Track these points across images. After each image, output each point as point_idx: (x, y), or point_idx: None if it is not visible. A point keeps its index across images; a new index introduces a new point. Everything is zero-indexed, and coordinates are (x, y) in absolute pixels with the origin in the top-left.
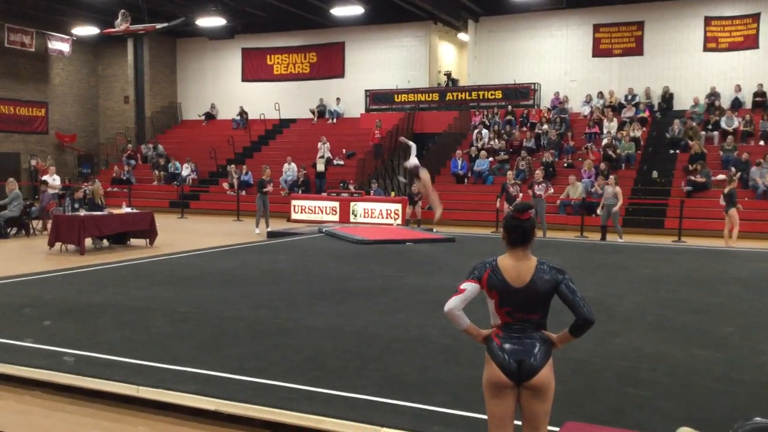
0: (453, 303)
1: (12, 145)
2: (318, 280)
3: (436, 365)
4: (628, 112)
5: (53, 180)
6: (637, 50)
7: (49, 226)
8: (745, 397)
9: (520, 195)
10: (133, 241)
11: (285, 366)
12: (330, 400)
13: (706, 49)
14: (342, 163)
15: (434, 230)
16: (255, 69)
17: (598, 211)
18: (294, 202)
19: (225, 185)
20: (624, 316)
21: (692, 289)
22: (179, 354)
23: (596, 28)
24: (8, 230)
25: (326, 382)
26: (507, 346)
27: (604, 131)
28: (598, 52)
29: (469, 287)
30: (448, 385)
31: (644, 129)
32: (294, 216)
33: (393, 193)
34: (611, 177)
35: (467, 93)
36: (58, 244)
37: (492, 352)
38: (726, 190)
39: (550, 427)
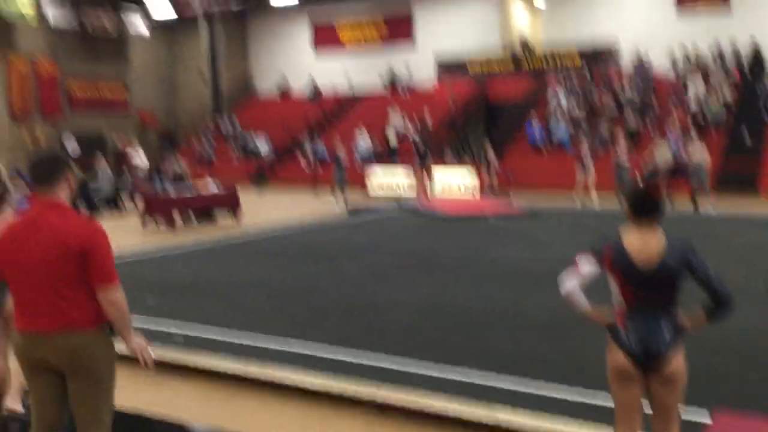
0: (571, 284)
1: (97, 125)
2: (402, 255)
3: (535, 340)
4: (716, 73)
5: (140, 158)
6: (724, 3)
7: (139, 203)
8: None
9: (592, 166)
10: (220, 218)
11: (379, 340)
12: (437, 381)
13: None
14: (416, 137)
15: (510, 197)
16: (325, 41)
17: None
18: (371, 178)
19: (302, 160)
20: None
21: None
22: (279, 330)
23: None
24: (100, 208)
25: (424, 354)
26: (633, 331)
27: (690, 93)
28: (683, 7)
29: (588, 266)
30: (554, 364)
31: (734, 89)
32: (370, 189)
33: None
34: (696, 141)
35: (543, 60)
36: (149, 221)
37: (616, 338)
38: None
39: (693, 417)
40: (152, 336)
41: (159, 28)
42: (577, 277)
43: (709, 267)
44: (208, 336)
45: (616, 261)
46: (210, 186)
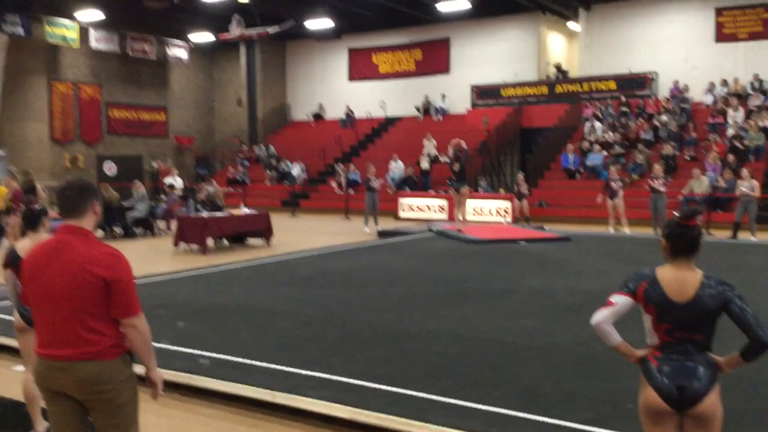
0: (601, 316)
1: (135, 148)
2: (435, 282)
3: (571, 377)
4: (755, 100)
5: (176, 181)
6: (764, 34)
7: (173, 226)
8: None
9: (621, 192)
10: (251, 241)
11: (414, 373)
12: (466, 413)
13: None
14: (448, 160)
15: (544, 227)
16: (361, 68)
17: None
18: (401, 200)
19: (333, 184)
20: None
21: None
22: (309, 357)
23: (719, 11)
24: (135, 230)
25: (458, 392)
26: (666, 368)
27: (729, 121)
28: (722, 36)
29: (621, 300)
30: (587, 400)
31: None
32: (402, 214)
33: (501, 190)
34: (745, 170)
35: (578, 84)
36: (182, 244)
37: (649, 375)
38: None
39: None
40: (179, 358)
41: (198, 52)
42: (607, 308)
43: (748, 309)
44: (236, 360)
45: (651, 296)
46: (243, 211)
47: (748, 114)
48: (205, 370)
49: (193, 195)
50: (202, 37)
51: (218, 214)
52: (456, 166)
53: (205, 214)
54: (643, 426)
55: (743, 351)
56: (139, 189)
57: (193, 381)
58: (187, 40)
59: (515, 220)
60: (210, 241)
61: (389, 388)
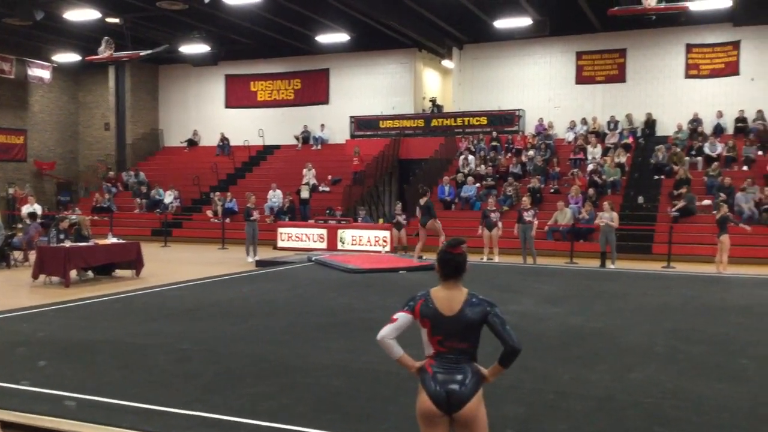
0: (386, 331)
1: None
2: (317, 312)
3: None
4: (612, 139)
5: (34, 209)
6: (619, 77)
7: (31, 257)
8: None
9: (500, 223)
10: (119, 272)
11: (299, 408)
12: None
13: (687, 76)
14: (328, 189)
15: (422, 257)
16: (238, 95)
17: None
18: (280, 230)
19: (209, 213)
20: (634, 348)
21: (696, 318)
22: (186, 395)
23: (579, 55)
24: None
25: (346, 426)
26: (439, 375)
27: (589, 157)
28: (582, 79)
29: (402, 317)
30: None
31: (628, 155)
32: (281, 244)
33: (381, 220)
34: (606, 203)
35: (452, 119)
36: (42, 276)
37: (424, 382)
38: (718, 216)
39: None
40: (42, 401)
41: (63, 72)
42: (390, 324)
43: (506, 321)
44: (105, 400)
45: (426, 312)
46: (111, 241)
47: (606, 151)
48: (71, 412)
49: (55, 224)
50: (68, 57)
51: (83, 243)
52: (422, 201)
53: (68, 243)
54: (420, 429)
55: (500, 358)
56: None
57: (58, 425)
58: (50, 61)
59: (394, 249)
60: (74, 274)
61: (273, 425)
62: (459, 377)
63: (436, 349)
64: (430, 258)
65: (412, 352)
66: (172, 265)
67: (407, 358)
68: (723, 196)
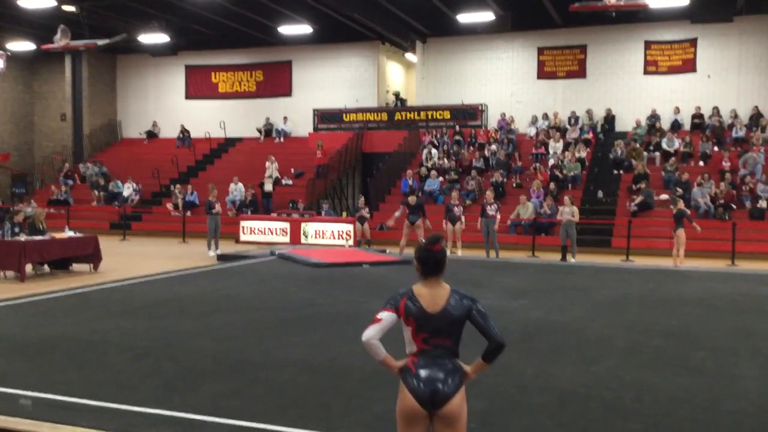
0: (370, 332)
1: None
2: (280, 307)
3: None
4: (572, 134)
5: None
6: (580, 73)
7: None
8: (732, 427)
9: (463, 217)
10: (76, 267)
11: (262, 405)
12: None
13: (646, 72)
14: (291, 182)
15: (386, 251)
16: (199, 86)
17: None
18: (243, 223)
19: (169, 206)
20: (595, 342)
21: (654, 311)
22: (145, 393)
23: (540, 51)
24: None
25: (309, 422)
26: (422, 373)
27: (550, 152)
28: (543, 74)
29: (386, 316)
30: None
31: (588, 150)
32: (243, 237)
33: (344, 214)
34: (567, 197)
35: (416, 113)
36: None
37: (406, 380)
38: (675, 211)
39: None
40: None
41: (17, 61)
42: (375, 325)
43: (489, 317)
44: (61, 399)
45: (410, 310)
46: (67, 234)
47: (566, 146)
48: (26, 411)
49: (9, 217)
50: (23, 45)
51: (38, 237)
52: (412, 200)
53: (23, 237)
54: (398, 426)
55: (484, 354)
56: None
57: (12, 424)
58: (4, 49)
59: (357, 243)
60: (29, 268)
61: (235, 422)
62: (442, 375)
63: (420, 347)
64: (394, 253)
65: (389, 350)
66: (131, 260)
67: (390, 359)
68: (680, 191)
